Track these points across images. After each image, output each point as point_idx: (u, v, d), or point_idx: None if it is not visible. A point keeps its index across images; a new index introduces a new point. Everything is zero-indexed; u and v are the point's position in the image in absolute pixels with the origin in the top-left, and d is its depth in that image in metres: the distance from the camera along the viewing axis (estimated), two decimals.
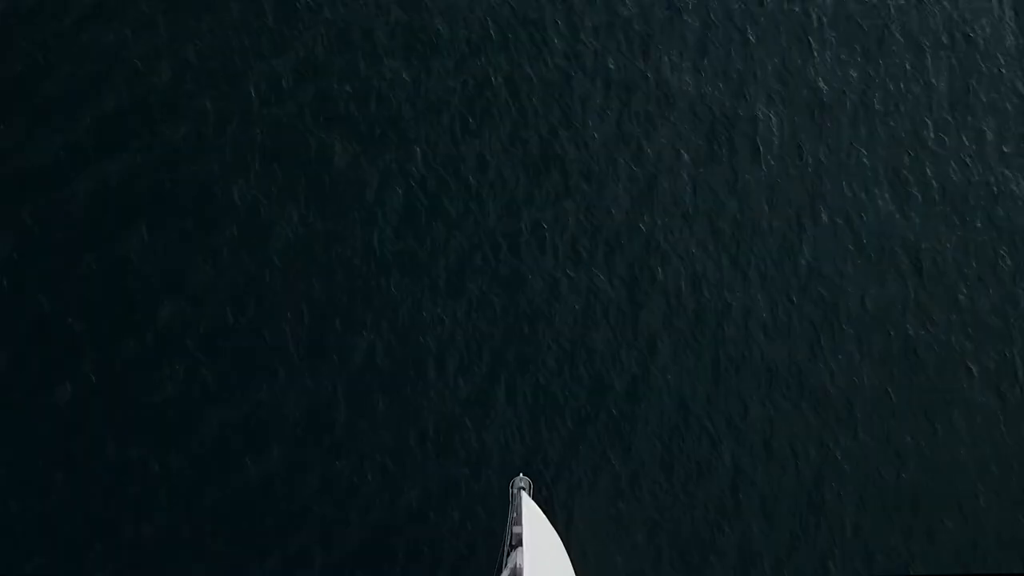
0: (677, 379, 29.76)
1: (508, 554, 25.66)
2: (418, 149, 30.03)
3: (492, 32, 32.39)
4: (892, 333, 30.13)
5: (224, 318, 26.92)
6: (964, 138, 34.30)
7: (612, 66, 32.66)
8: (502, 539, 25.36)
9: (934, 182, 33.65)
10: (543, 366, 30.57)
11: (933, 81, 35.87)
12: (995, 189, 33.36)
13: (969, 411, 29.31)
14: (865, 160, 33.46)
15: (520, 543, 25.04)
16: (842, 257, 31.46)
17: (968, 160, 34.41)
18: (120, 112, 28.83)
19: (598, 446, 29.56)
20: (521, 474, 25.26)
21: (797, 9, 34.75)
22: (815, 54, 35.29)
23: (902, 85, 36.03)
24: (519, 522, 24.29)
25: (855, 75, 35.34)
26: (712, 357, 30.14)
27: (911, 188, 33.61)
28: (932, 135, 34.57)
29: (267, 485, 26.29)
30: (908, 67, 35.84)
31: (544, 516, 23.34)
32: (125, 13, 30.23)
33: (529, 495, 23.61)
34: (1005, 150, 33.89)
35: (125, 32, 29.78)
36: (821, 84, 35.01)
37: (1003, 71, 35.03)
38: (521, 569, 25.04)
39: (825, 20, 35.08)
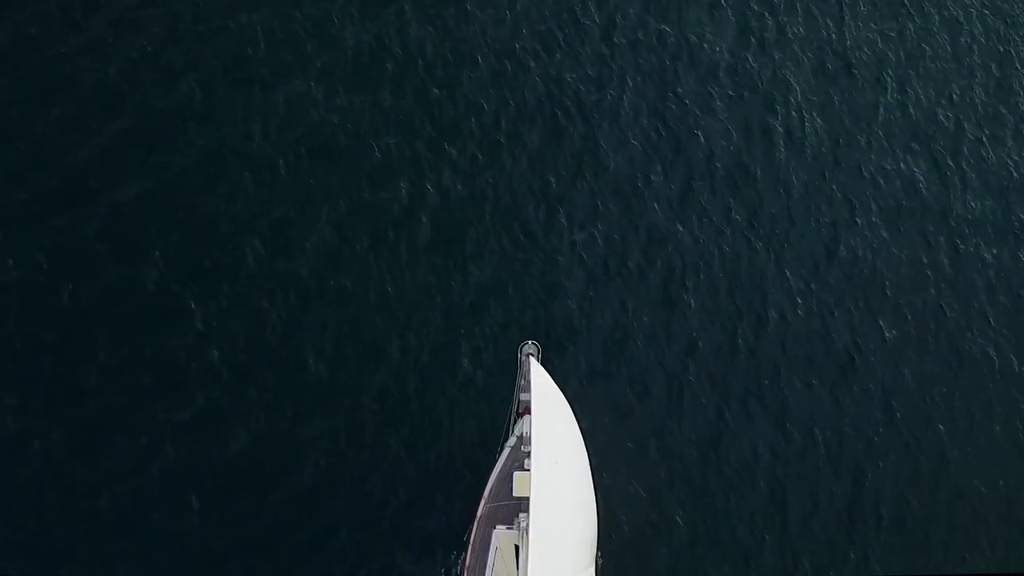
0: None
1: (515, 421, 25.23)
2: None
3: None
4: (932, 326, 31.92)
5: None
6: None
7: None
8: (509, 406, 24.95)
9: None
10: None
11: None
12: None
13: None
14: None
15: (528, 410, 24.52)
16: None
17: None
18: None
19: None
20: (530, 340, 24.69)
21: None
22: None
23: (928, 49, 36.66)
24: (527, 389, 23.80)
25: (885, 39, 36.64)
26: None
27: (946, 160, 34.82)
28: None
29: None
30: (937, 34, 36.91)
31: (552, 381, 22.97)
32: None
33: (537, 360, 23.15)
34: None
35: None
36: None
37: None
38: (529, 436, 24.50)
39: None
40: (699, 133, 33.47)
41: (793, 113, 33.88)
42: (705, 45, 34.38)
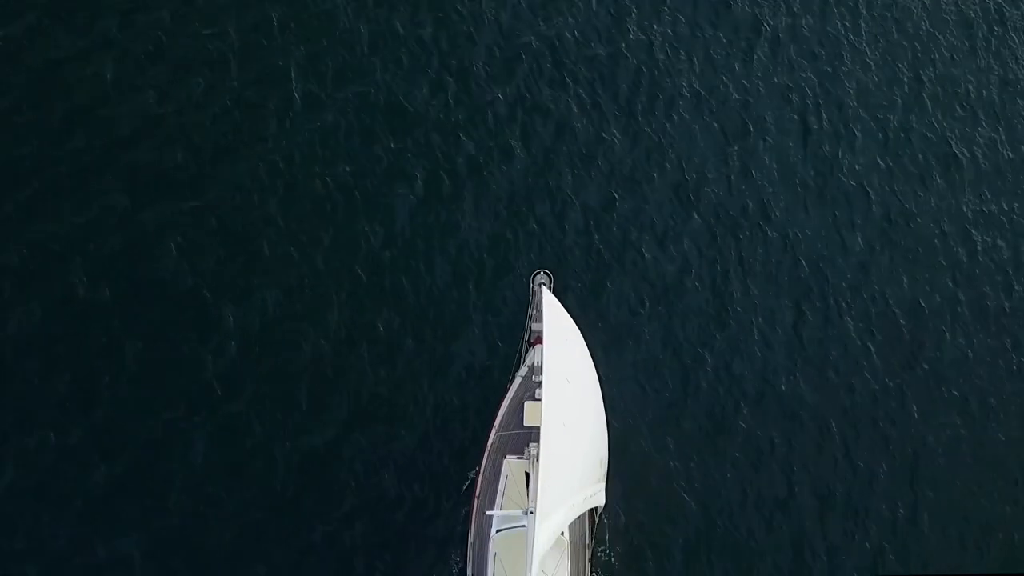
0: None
1: (527, 351, 25.30)
2: None
3: None
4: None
5: None
6: None
7: None
8: (521, 336, 25.03)
9: None
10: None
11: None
12: None
13: None
14: None
15: (539, 340, 24.57)
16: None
17: None
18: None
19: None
20: (542, 270, 24.70)
21: None
22: None
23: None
24: (539, 319, 23.85)
25: None
26: None
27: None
28: None
29: None
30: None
31: (564, 310, 23.00)
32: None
33: (549, 289, 23.16)
34: None
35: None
36: None
37: None
38: (540, 365, 24.56)
39: None
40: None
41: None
42: None
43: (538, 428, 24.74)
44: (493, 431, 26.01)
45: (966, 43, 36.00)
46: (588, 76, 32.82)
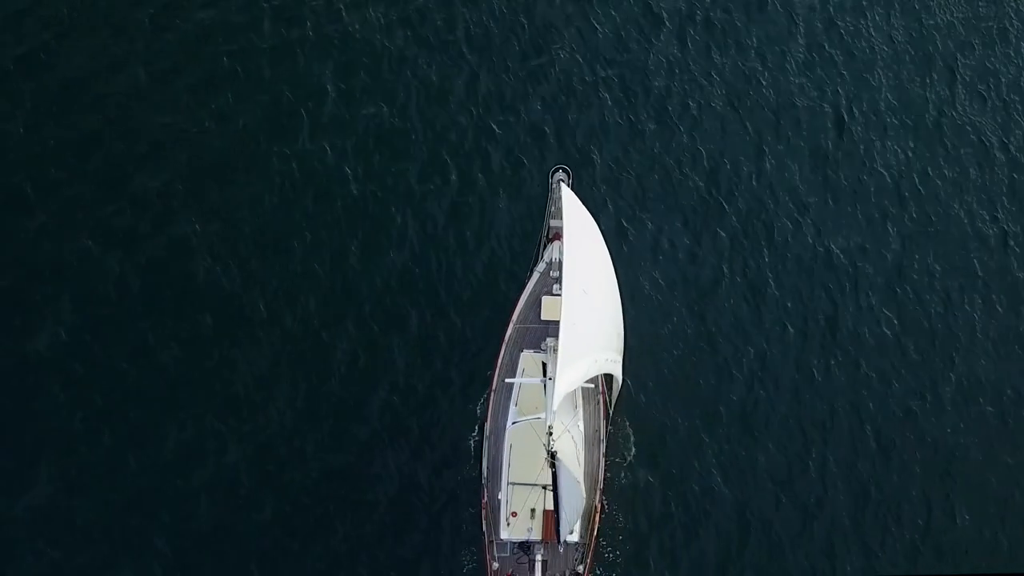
0: None
1: (545, 247, 25.32)
2: None
3: None
4: None
5: None
6: None
7: None
8: (539, 231, 25.02)
9: None
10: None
11: None
12: None
13: None
14: None
15: (557, 236, 24.58)
16: None
17: None
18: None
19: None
20: (561, 166, 24.66)
21: None
22: None
23: None
24: (558, 215, 23.86)
25: None
26: None
27: None
28: None
29: None
30: None
31: (583, 206, 22.97)
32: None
33: (568, 186, 23.13)
34: None
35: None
36: None
37: None
38: (558, 261, 24.67)
39: None
40: None
41: None
42: None
43: (555, 322, 25.11)
44: (511, 324, 26.44)
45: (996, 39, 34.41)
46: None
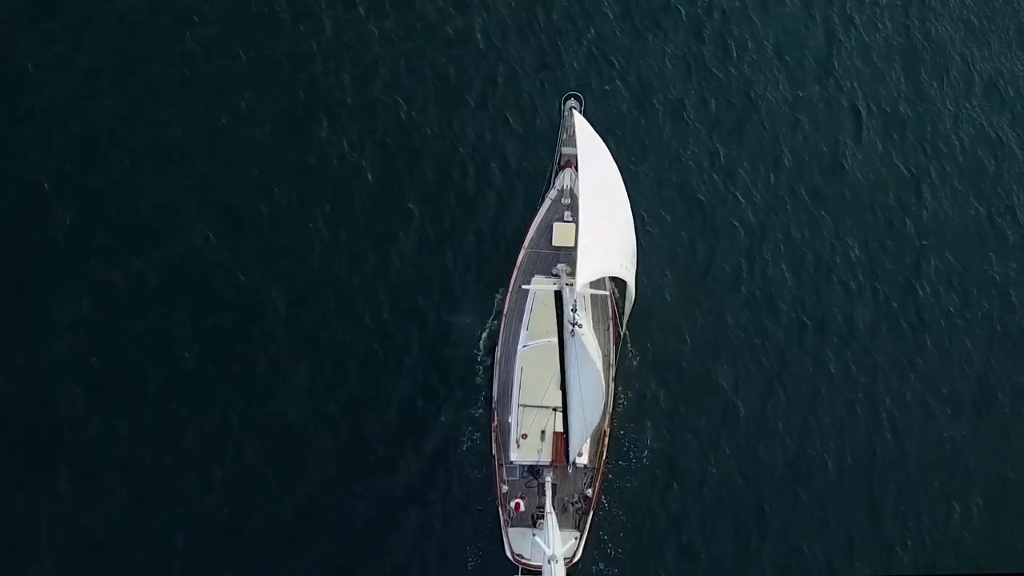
0: None
1: (557, 174, 25.40)
2: None
3: None
4: None
5: None
6: None
7: None
8: (552, 158, 25.14)
9: None
10: None
11: None
12: None
13: None
14: None
15: (569, 164, 24.63)
16: None
17: None
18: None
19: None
20: (573, 93, 24.68)
21: None
22: None
23: None
24: (570, 143, 23.89)
25: None
26: None
27: None
28: None
29: None
30: None
31: (595, 133, 23.01)
32: None
33: (580, 112, 23.14)
34: None
35: None
36: None
37: None
38: (569, 188, 24.72)
39: None
40: None
41: None
42: None
43: (565, 249, 25.21)
44: (522, 249, 26.55)
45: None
46: None
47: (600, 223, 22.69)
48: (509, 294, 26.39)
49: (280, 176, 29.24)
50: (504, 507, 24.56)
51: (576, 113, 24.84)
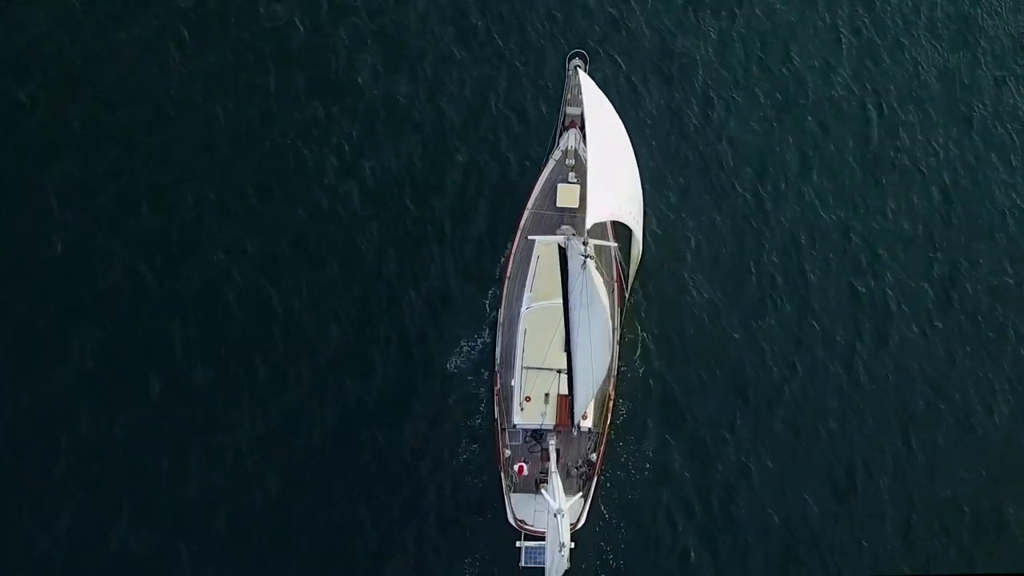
0: None
1: (561, 134, 25.20)
2: None
3: None
4: None
5: None
6: None
7: None
8: (556, 119, 24.99)
9: None
10: None
11: None
12: None
13: None
14: None
15: (573, 124, 24.39)
16: None
17: None
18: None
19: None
20: (578, 51, 24.51)
21: None
22: None
23: None
24: (574, 103, 23.71)
25: None
26: None
27: None
28: None
29: None
30: None
31: (601, 92, 22.88)
32: None
33: (584, 71, 22.99)
34: None
35: None
36: None
37: None
38: (574, 149, 24.46)
39: None
40: None
41: None
42: None
43: (569, 210, 24.94)
44: (526, 210, 26.27)
45: None
46: None
47: (609, 169, 22.62)
48: (512, 256, 26.06)
49: (279, 173, 28.79)
50: (507, 472, 24.22)
51: (580, 72, 24.55)
